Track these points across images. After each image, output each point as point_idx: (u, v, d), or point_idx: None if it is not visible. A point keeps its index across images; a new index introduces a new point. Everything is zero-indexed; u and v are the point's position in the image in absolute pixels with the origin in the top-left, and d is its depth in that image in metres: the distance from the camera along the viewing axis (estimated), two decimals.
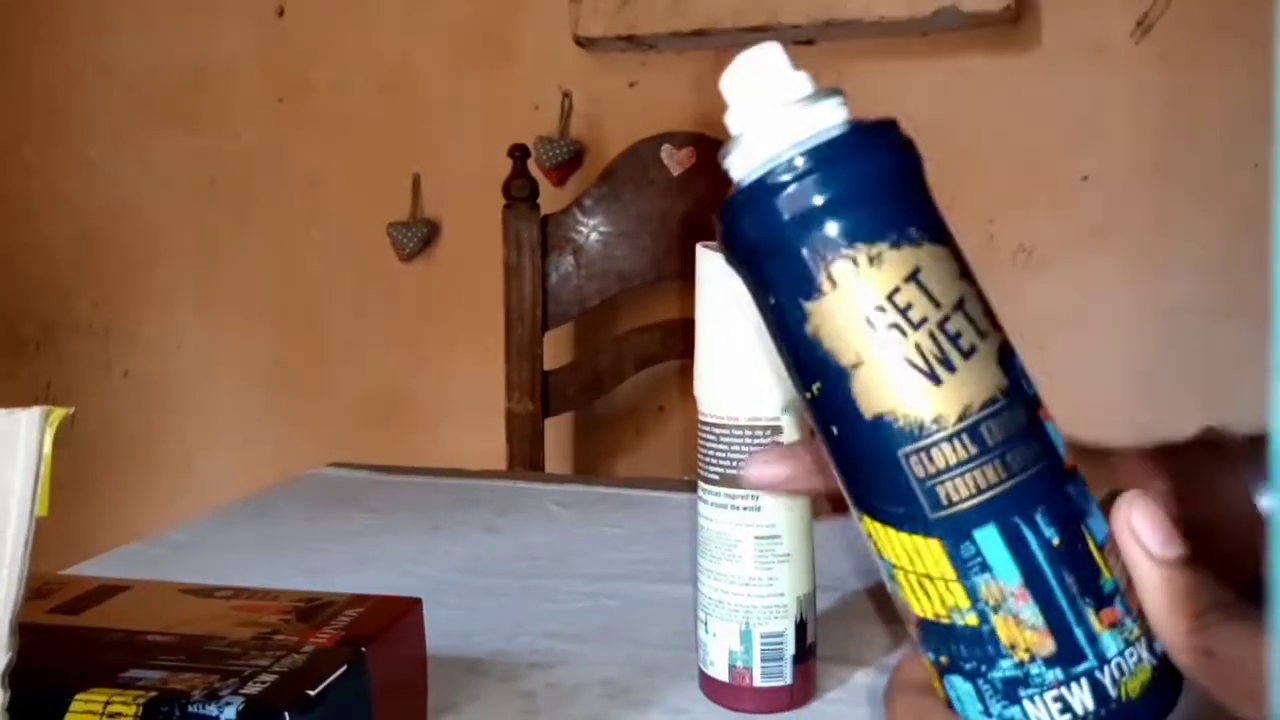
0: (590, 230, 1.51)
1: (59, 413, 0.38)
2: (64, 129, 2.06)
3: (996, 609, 0.32)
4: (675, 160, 1.50)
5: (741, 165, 0.35)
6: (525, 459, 1.49)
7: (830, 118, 0.34)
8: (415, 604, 0.54)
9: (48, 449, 0.37)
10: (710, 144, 1.51)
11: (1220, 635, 0.31)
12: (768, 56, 0.35)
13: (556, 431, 1.68)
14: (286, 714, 0.43)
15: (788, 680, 0.53)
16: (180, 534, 0.91)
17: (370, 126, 1.89)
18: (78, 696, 0.43)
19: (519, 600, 0.74)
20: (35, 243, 2.09)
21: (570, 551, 0.85)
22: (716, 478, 0.53)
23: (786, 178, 0.33)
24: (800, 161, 0.33)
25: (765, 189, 0.33)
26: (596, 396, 1.57)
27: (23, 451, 0.37)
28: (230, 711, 0.43)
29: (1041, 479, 0.32)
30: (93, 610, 0.53)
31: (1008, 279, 1.57)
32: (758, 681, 0.53)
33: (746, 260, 0.35)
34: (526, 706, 0.58)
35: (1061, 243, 1.59)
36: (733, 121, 0.36)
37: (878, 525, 0.34)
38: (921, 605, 0.33)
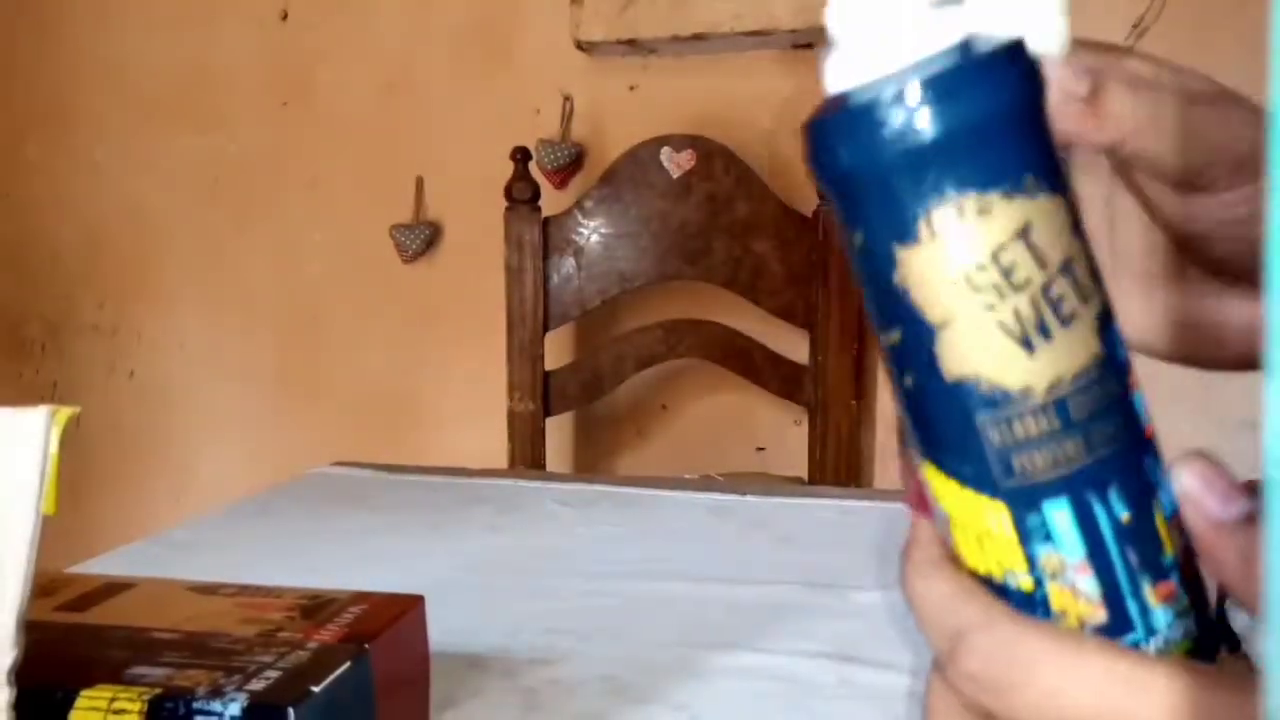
0: (591, 232, 1.52)
1: (65, 412, 0.38)
2: (69, 131, 2.06)
3: (1054, 577, 0.31)
4: (675, 163, 1.51)
5: (842, 77, 0.30)
6: (526, 458, 1.50)
7: (951, 31, 0.29)
8: (418, 601, 0.55)
9: (54, 448, 0.38)
10: (709, 147, 1.51)
11: None
12: None
13: (557, 431, 1.69)
14: (290, 710, 0.43)
15: None
16: (184, 532, 0.91)
17: (373, 129, 1.90)
18: (83, 693, 0.44)
19: (520, 598, 0.74)
20: (41, 244, 2.09)
21: (571, 550, 0.85)
22: None
23: (895, 103, 0.29)
24: (914, 86, 0.29)
25: (868, 111, 0.29)
26: (597, 396, 1.58)
27: (30, 451, 0.38)
28: (234, 708, 0.43)
29: (1121, 454, 0.30)
30: (98, 608, 0.54)
31: None
32: None
33: (837, 187, 0.31)
34: (528, 702, 0.58)
35: None
36: (834, 20, 0.31)
37: (941, 476, 0.32)
38: (974, 559, 0.32)
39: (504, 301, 1.52)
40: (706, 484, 1.16)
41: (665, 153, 1.51)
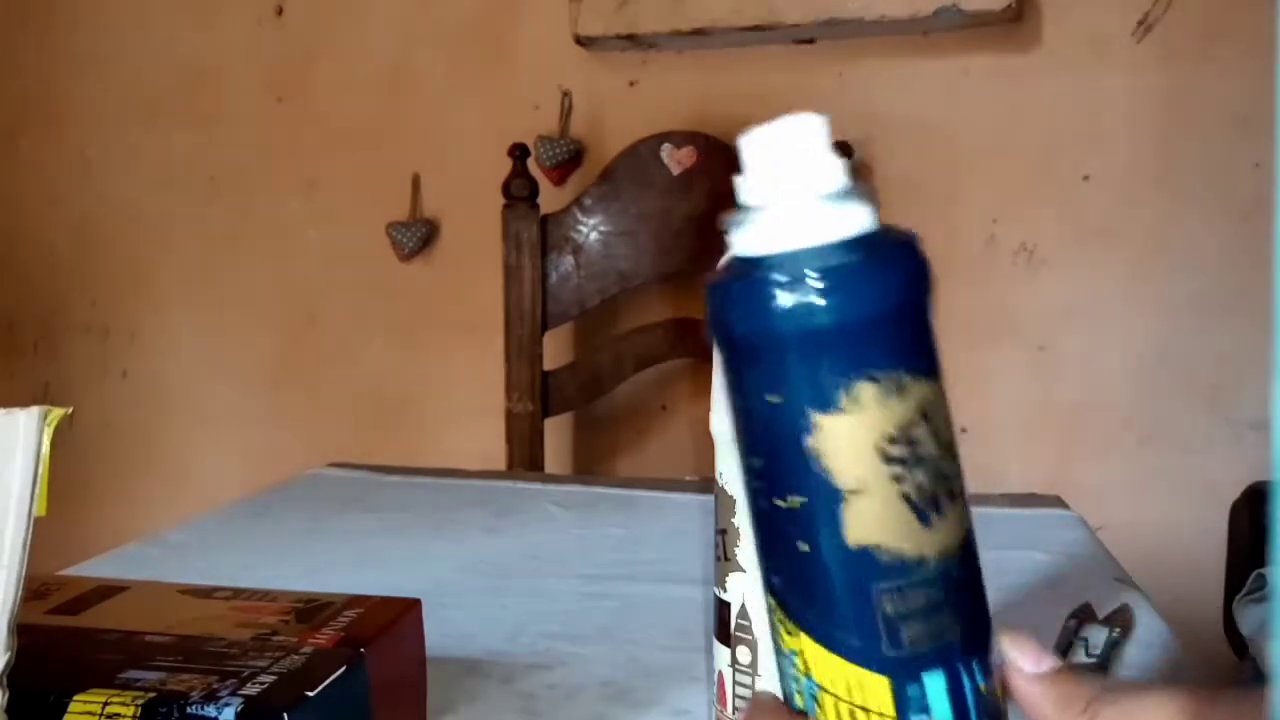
0: (590, 230, 1.51)
1: (57, 413, 0.38)
2: (62, 128, 2.05)
3: None
4: (675, 159, 1.50)
5: (762, 244, 0.31)
6: (525, 459, 1.49)
7: (864, 221, 0.31)
8: (414, 604, 0.54)
9: (46, 449, 0.37)
10: (710, 143, 1.51)
11: (1106, 717, 0.33)
12: (809, 132, 0.32)
13: (556, 432, 1.68)
14: (285, 715, 0.43)
15: None
16: (179, 534, 0.91)
17: (369, 126, 1.89)
18: (76, 697, 0.43)
19: (519, 601, 0.74)
20: (33, 242, 2.08)
21: (570, 552, 0.84)
22: None
23: (823, 279, 0.30)
24: (843, 265, 0.30)
25: (793, 283, 0.30)
26: (596, 396, 1.57)
27: (21, 451, 0.37)
28: (229, 712, 0.42)
29: (980, 625, 0.33)
30: (91, 611, 0.53)
31: (1009, 278, 1.57)
32: None
33: (747, 349, 0.32)
34: (526, 707, 0.57)
35: (1063, 242, 1.59)
36: (751, 190, 0.33)
37: (819, 648, 0.32)
38: None
39: (502, 300, 1.51)
40: (706, 485, 1.15)
41: (665, 149, 1.50)
